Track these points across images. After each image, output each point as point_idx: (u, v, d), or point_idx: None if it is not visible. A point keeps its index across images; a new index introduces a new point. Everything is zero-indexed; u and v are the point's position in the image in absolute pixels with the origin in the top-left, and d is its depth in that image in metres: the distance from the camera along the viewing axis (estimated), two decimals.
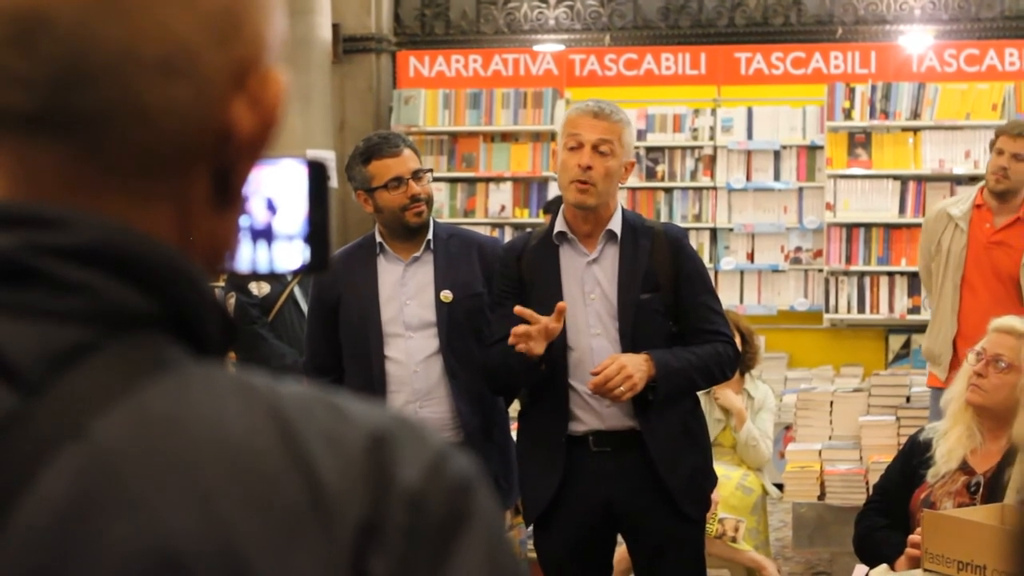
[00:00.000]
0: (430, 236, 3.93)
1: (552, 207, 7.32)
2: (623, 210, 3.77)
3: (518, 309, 3.53)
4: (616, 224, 3.70)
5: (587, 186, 3.61)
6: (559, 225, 3.73)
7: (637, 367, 3.54)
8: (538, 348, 3.52)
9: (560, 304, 3.54)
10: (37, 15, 0.77)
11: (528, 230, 4.16)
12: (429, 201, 3.93)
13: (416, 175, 3.89)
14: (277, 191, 0.94)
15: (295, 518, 0.74)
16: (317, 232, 0.95)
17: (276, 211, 0.94)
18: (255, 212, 0.94)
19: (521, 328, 3.51)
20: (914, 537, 3.64)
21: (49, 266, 0.76)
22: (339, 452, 0.77)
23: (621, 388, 3.51)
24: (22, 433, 0.74)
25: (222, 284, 5.31)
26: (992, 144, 5.77)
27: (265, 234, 0.94)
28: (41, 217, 0.77)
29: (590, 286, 3.70)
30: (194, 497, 0.73)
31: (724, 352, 3.72)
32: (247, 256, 0.94)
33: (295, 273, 0.98)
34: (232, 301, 5.20)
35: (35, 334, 0.76)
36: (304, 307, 5.25)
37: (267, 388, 0.79)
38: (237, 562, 0.72)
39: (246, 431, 0.76)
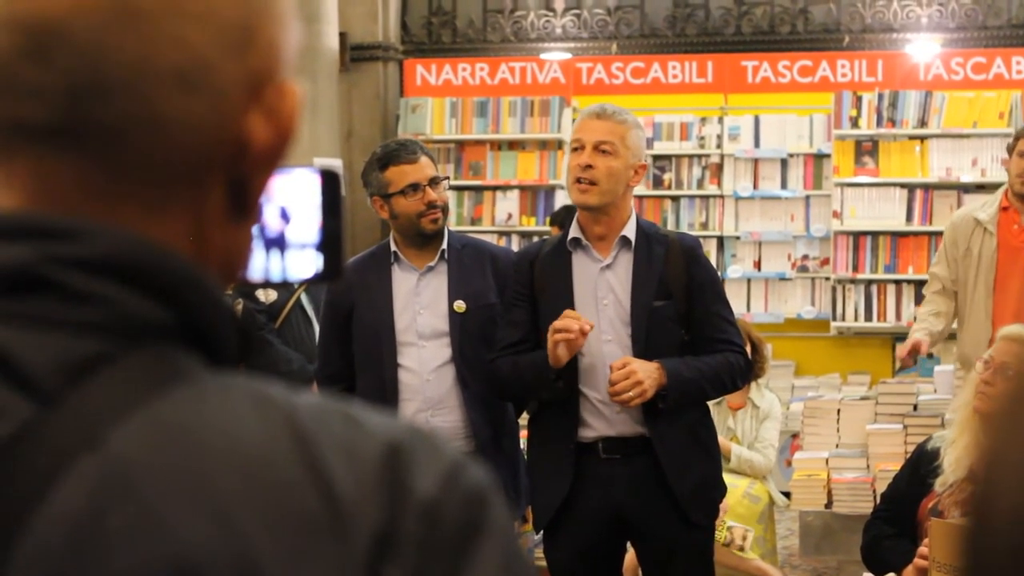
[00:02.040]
0: (444, 246, 3.94)
1: (558, 218, 7.31)
2: (638, 218, 3.79)
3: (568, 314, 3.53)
4: (631, 231, 3.72)
5: (588, 185, 3.65)
6: (573, 231, 3.76)
7: (648, 374, 3.55)
8: (564, 355, 3.55)
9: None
10: (53, 27, 0.78)
11: (544, 238, 4.17)
12: (445, 208, 3.95)
13: (433, 182, 3.90)
14: (290, 200, 0.95)
15: (310, 528, 0.74)
16: (330, 241, 0.96)
17: (289, 220, 0.95)
18: (269, 221, 0.94)
19: (566, 324, 3.50)
20: (923, 549, 3.63)
21: (65, 277, 0.77)
22: (355, 462, 0.77)
23: (630, 394, 3.52)
24: (38, 444, 0.74)
25: (229, 291, 5.31)
26: (1012, 147, 5.75)
27: (278, 243, 0.95)
28: (56, 228, 0.78)
29: (603, 292, 3.71)
30: (209, 507, 0.73)
31: (735, 362, 3.73)
32: (260, 264, 0.95)
33: (309, 282, 0.98)
34: (239, 307, 5.20)
35: (51, 345, 0.76)
36: (311, 314, 5.26)
37: (283, 398, 0.79)
38: (253, 572, 0.72)
39: (262, 441, 0.76)
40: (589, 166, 3.64)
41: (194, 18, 0.80)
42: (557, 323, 3.53)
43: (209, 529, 0.73)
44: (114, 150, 0.79)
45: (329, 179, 0.96)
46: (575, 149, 3.71)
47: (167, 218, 0.81)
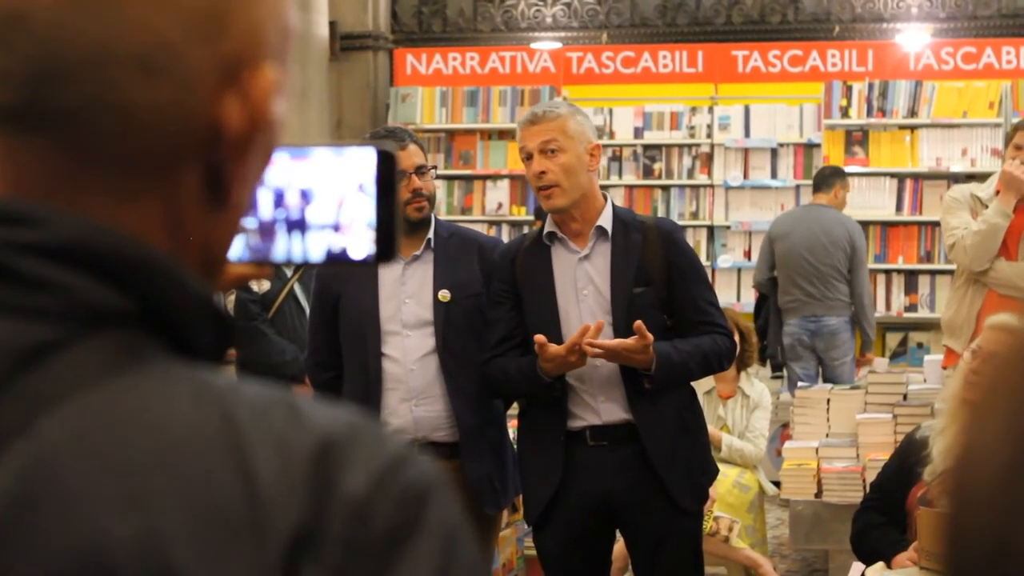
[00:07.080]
0: (431, 235, 3.93)
1: (542, 211, 7.30)
2: (614, 206, 3.79)
3: (539, 339, 3.58)
4: (606, 220, 3.73)
5: (549, 190, 3.68)
6: (549, 226, 3.77)
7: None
8: (554, 371, 3.61)
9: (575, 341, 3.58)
10: (14, 11, 0.77)
11: (523, 233, 4.17)
12: (431, 198, 3.94)
13: (419, 170, 3.89)
14: (313, 181, 0.93)
15: (229, 524, 0.72)
16: (384, 222, 0.93)
17: (311, 201, 0.93)
18: (290, 202, 0.92)
19: (550, 351, 3.56)
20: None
21: (22, 263, 0.76)
22: (284, 457, 0.74)
23: (639, 355, 3.55)
24: None
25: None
26: (1008, 139, 5.76)
27: (299, 224, 0.93)
28: (15, 214, 0.77)
29: (583, 283, 3.72)
30: (128, 500, 0.72)
31: (721, 343, 3.75)
32: (283, 246, 0.93)
33: (363, 264, 0.96)
34: (232, 297, 5.19)
35: (3, 331, 0.75)
36: (304, 303, 5.25)
37: (226, 389, 0.77)
38: (166, 567, 0.71)
39: (189, 434, 0.74)
40: (543, 172, 3.66)
41: (159, 3, 0.78)
42: (545, 356, 3.57)
43: (125, 523, 0.71)
44: (78, 136, 0.78)
45: (384, 159, 0.94)
46: (525, 159, 3.74)
47: (138, 205, 0.80)
